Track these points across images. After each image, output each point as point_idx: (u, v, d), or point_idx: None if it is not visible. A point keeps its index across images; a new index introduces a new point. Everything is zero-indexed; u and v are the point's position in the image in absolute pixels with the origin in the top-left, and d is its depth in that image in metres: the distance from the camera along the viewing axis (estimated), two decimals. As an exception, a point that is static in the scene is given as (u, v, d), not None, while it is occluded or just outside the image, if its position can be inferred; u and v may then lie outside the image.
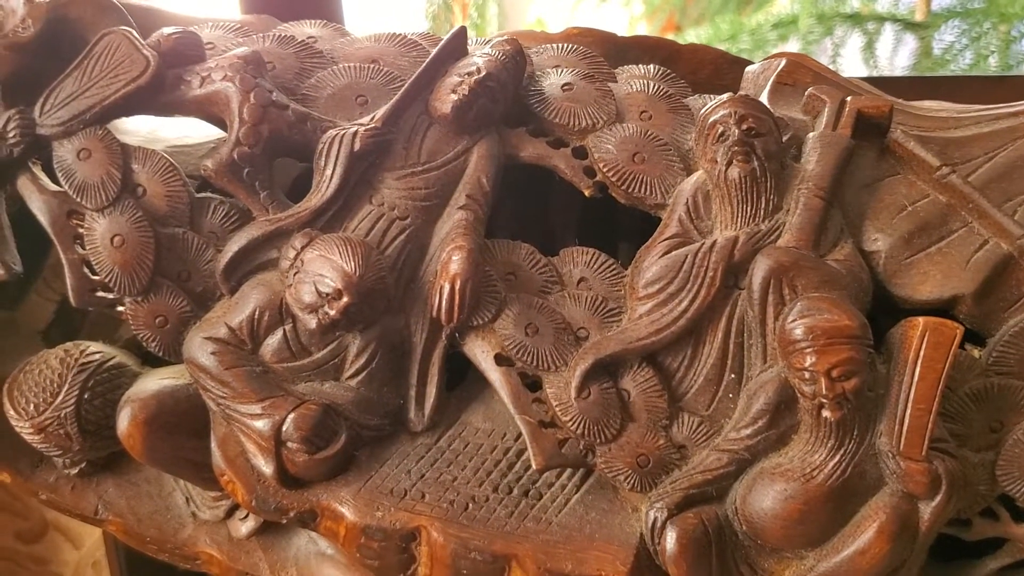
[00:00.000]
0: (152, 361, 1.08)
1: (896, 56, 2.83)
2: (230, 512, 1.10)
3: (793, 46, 2.70)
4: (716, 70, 1.23)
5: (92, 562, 1.75)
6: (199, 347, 1.00)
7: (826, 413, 0.90)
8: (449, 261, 0.98)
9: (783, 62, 1.08)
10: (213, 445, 1.02)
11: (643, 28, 3.25)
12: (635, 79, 1.11)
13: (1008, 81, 1.86)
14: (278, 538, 1.11)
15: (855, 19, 2.67)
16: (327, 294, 0.95)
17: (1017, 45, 2.34)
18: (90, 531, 1.67)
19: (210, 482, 1.04)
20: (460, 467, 1.02)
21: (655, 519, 0.95)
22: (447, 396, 1.04)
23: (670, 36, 2.80)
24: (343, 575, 1.08)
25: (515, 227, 1.17)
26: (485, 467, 1.02)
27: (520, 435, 1.00)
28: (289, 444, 0.98)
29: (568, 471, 1.01)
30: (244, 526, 1.10)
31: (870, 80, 1.14)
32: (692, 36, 2.75)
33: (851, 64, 2.78)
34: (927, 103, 1.15)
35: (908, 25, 2.78)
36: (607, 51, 1.19)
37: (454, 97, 1.01)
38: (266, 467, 0.99)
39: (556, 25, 3.14)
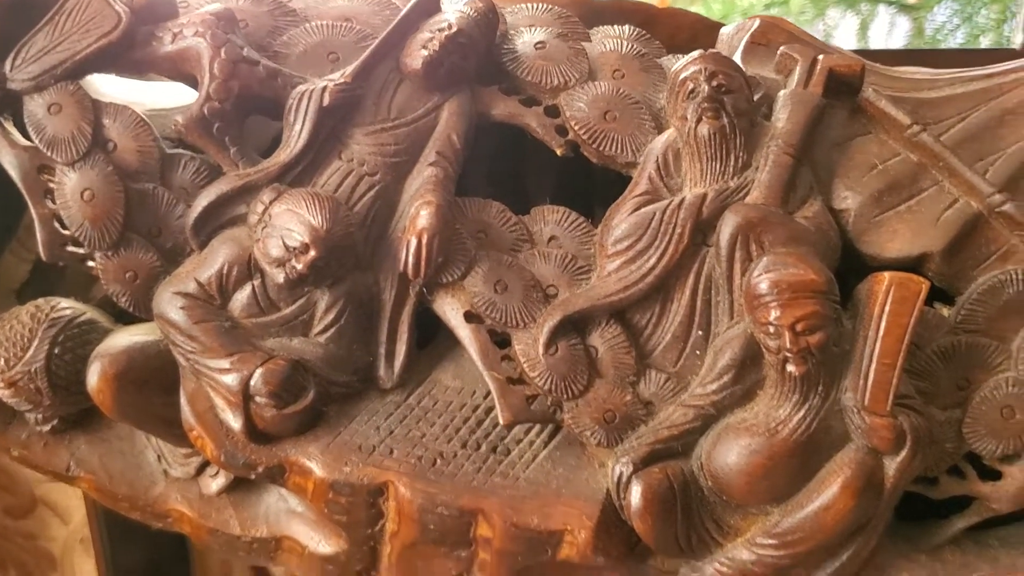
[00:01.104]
0: (126, 320, 1.08)
1: (890, 39, 2.82)
2: (200, 469, 1.10)
3: (786, 26, 2.69)
4: (694, 35, 1.22)
5: (80, 538, 1.75)
6: (168, 302, 1.01)
7: (790, 368, 0.90)
8: (417, 216, 0.98)
9: (757, 22, 1.08)
10: (182, 400, 1.02)
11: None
12: (609, 39, 1.11)
13: (995, 54, 1.85)
14: (248, 495, 1.11)
15: (848, 1, 2.65)
16: (294, 248, 0.95)
17: (1010, 24, 2.33)
18: (78, 506, 1.68)
19: (180, 438, 1.04)
20: (429, 424, 1.02)
21: (621, 474, 0.95)
22: (418, 354, 1.04)
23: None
24: (313, 532, 1.07)
25: (490, 190, 1.17)
26: (454, 424, 1.02)
27: (490, 392, 1.00)
28: (257, 399, 0.98)
29: (537, 428, 1.01)
30: (214, 483, 1.10)
31: (857, 53, 1.13)
32: (685, 16, 2.73)
33: (844, 46, 2.77)
34: (905, 68, 1.15)
35: (902, 7, 2.77)
36: (583, 14, 1.19)
37: (424, 53, 1.01)
38: (234, 422, 0.99)
39: None
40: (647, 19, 1.22)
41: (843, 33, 2.81)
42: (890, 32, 2.83)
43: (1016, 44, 1.65)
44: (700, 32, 1.22)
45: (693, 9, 2.84)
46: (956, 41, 2.55)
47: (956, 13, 2.48)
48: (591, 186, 1.15)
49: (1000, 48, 2.12)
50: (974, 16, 2.45)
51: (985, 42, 2.59)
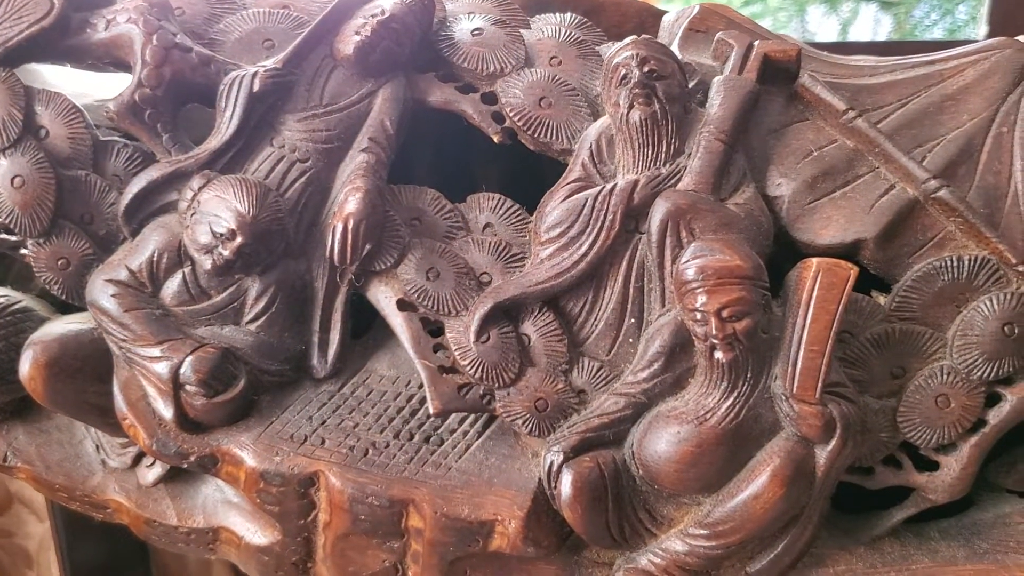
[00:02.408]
0: (69, 310, 1.07)
1: (872, 35, 2.81)
2: (137, 459, 1.10)
3: (765, 24, 2.68)
4: (640, 23, 1.22)
5: (56, 535, 1.74)
6: (100, 289, 1.00)
7: (718, 354, 0.89)
8: (345, 202, 0.97)
9: (696, 8, 1.07)
10: (115, 388, 1.01)
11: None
12: (549, 26, 1.10)
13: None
14: (186, 486, 1.10)
15: (828, -2, 2.65)
16: (221, 234, 0.95)
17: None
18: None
19: (115, 427, 1.03)
20: (362, 413, 1.01)
21: (551, 463, 0.94)
22: (352, 343, 1.03)
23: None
24: (249, 522, 1.07)
25: (435, 180, 1.16)
26: (388, 413, 1.01)
27: (425, 382, 0.99)
28: (187, 387, 0.97)
29: (472, 417, 1.00)
30: (151, 473, 1.09)
31: (832, 45, 1.13)
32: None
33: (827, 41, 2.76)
34: (852, 56, 1.14)
35: (883, 4, 2.76)
36: (528, 2, 1.18)
37: (357, 38, 1.00)
38: (165, 410, 0.98)
39: None
40: (593, 7, 1.22)
41: (825, 30, 2.81)
42: (874, 31, 2.82)
43: (980, 36, 1.64)
44: (647, 20, 1.21)
45: (673, 5, 2.85)
46: (935, 35, 2.54)
47: (934, 8, 2.47)
48: (541, 171, 1.14)
49: (962, 40, 2.10)
50: (952, 11, 2.44)
51: (967, 32, 2.59)
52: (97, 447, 1.12)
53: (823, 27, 2.79)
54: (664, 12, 1.22)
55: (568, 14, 1.12)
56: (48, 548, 1.78)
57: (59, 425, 1.12)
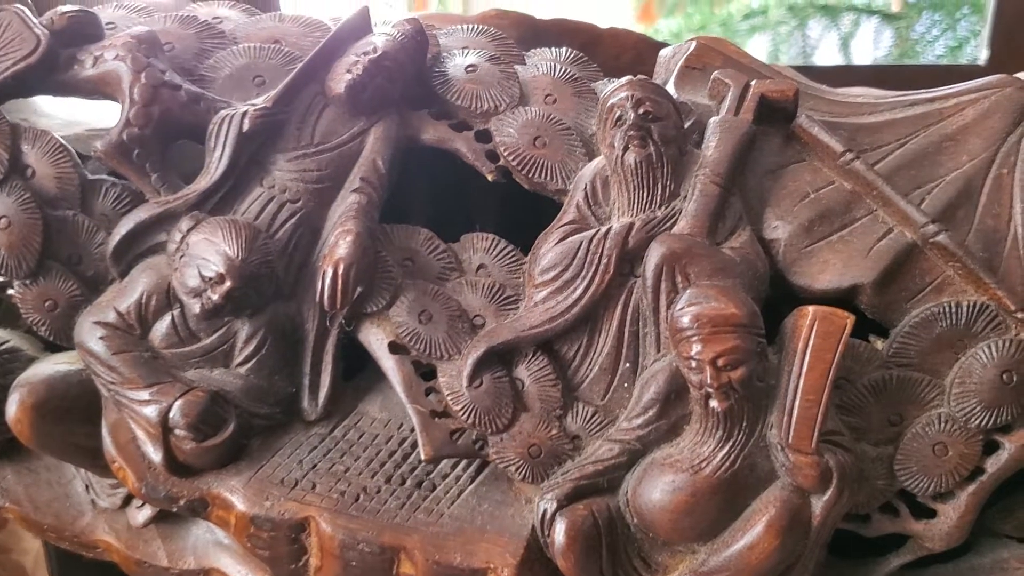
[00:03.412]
0: (58, 348, 1.06)
1: (873, 48, 2.80)
2: (128, 500, 1.08)
3: (765, 37, 2.68)
4: (638, 55, 1.21)
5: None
6: (88, 331, 0.99)
7: (713, 403, 0.88)
8: (336, 245, 0.96)
9: (693, 45, 1.05)
10: (104, 431, 1.00)
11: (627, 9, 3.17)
12: (544, 62, 1.08)
13: (957, 71, 1.82)
14: (176, 527, 1.09)
15: (828, 10, 2.63)
16: (210, 278, 0.93)
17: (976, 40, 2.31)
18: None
19: (104, 469, 1.02)
20: (353, 457, 1.00)
21: (545, 511, 0.93)
22: (344, 385, 1.02)
23: (643, 25, 2.78)
24: (240, 565, 1.06)
25: (431, 211, 1.15)
26: (379, 457, 1.00)
27: (418, 425, 0.98)
28: (176, 431, 0.96)
29: (465, 462, 0.99)
30: (141, 514, 1.08)
31: (832, 70, 1.11)
32: (663, 25, 2.72)
33: (827, 55, 2.75)
34: (852, 89, 1.13)
35: (885, 16, 2.75)
36: (524, 34, 1.17)
37: (349, 77, 0.99)
38: (155, 454, 0.97)
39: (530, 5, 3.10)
40: (591, 39, 1.21)
41: (826, 43, 2.79)
42: (875, 43, 2.80)
43: (981, 61, 1.63)
44: (644, 52, 1.20)
45: (674, 18, 2.84)
46: (936, 51, 2.53)
47: (936, 23, 2.45)
48: (539, 202, 1.13)
49: (964, 65, 2.09)
50: (954, 27, 2.43)
51: (968, 49, 2.57)
52: (87, 487, 1.11)
53: (824, 40, 2.78)
54: (661, 44, 1.21)
55: (564, 49, 1.11)
56: (43, 564, 1.77)
57: (48, 465, 1.11)
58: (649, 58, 1.20)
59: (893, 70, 2.07)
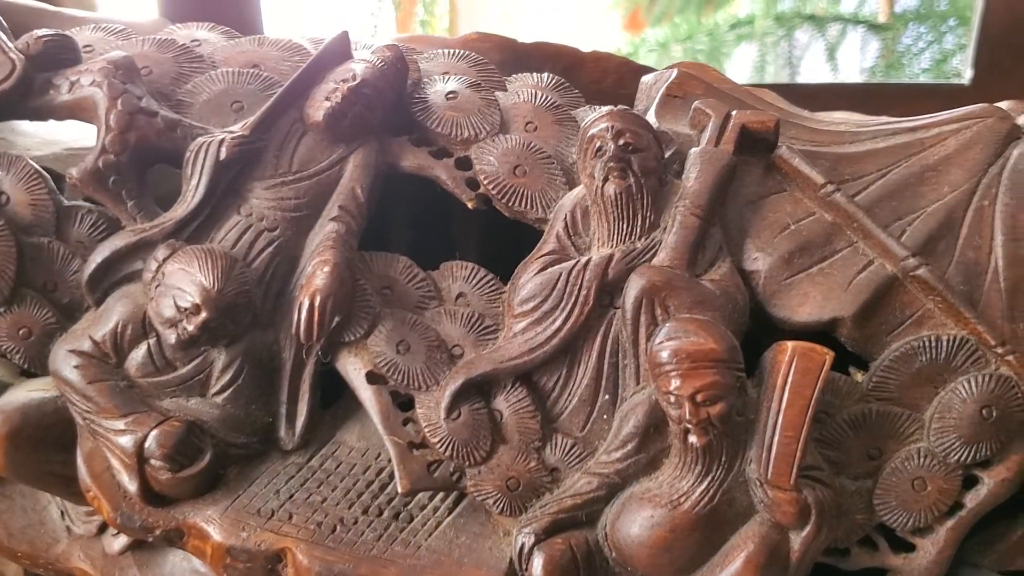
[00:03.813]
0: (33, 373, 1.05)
1: (858, 58, 2.80)
2: (104, 527, 1.07)
3: (752, 47, 2.67)
4: (620, 79, 1.20)
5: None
6: (63, 360, 0.98)
7: (692, 438, 0.87)
8: (313, 275, 0.95)
9: (674, 73, 1.05)
10: (79, 460, 0.99)
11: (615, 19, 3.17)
12: (525, 88, 1.08)
13: (940, 90, 1.82)
14: (153, 555, 1.08)
15: (814, 20, 2.63)
16: (185, 309, 0.93)
17: (961, 55, 2.31)
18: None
19: (79, 497, 1.01)
20: (331, 487, 0.99)
21: (523, 544, 0.92)
22: (321, 414, 1.01)
23: (630, 33, 2.77)
24: (217, 594, 1.04)
25: (411, 237, 1.15)
26: (356, 488, 0.99)
27: (396, 455, 0.97)
28: (152, 461, 0.95)
29: (442, 493, 0.98)
30: (117, 542, 1.07)
31: (815, 88, 1.10)
32: (651, 34, 2.71)
33: (814, 65, 2.75)
34: (835, 114, 1.12)
35: (871, 27, 2.75)
36: (506, 58, 1.17)
37: (327, 104, 0.98)
38: (130, 484, 0.96)
39: (521, 22, 3.10)
40: (573, 63, 1.20)
41: (812, 52, 2.79)
42: (861, 53, 2.81)
43: (965, 80, 1.63)
44: (626, 77, 1.20)
45: (660, 28, 2.84)
46: (922, 64, 2.53)
47: (919, 37, 2.45)
48: (521, 231, 1.12)
49: (948, 84, 2.09)
50: (940, 40, 2.43)
51: (953, 63, 2.58)
52: (62, 513, 1.10)
53: (810, 50, 2.78)
54: (644, 68, 1.20)
55: (545, 74, 1.10)
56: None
57: (23, 491, 1.10)
58: (631, 82, 1.19)
59: (876, 88, 2.07)
